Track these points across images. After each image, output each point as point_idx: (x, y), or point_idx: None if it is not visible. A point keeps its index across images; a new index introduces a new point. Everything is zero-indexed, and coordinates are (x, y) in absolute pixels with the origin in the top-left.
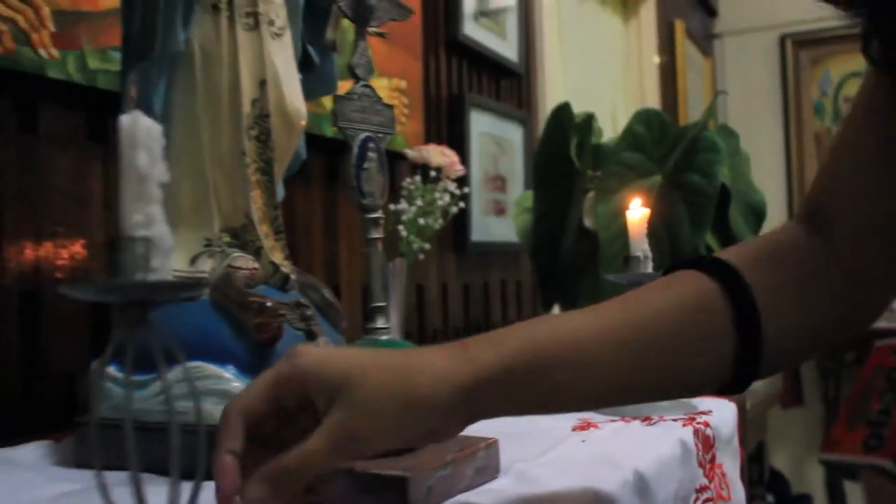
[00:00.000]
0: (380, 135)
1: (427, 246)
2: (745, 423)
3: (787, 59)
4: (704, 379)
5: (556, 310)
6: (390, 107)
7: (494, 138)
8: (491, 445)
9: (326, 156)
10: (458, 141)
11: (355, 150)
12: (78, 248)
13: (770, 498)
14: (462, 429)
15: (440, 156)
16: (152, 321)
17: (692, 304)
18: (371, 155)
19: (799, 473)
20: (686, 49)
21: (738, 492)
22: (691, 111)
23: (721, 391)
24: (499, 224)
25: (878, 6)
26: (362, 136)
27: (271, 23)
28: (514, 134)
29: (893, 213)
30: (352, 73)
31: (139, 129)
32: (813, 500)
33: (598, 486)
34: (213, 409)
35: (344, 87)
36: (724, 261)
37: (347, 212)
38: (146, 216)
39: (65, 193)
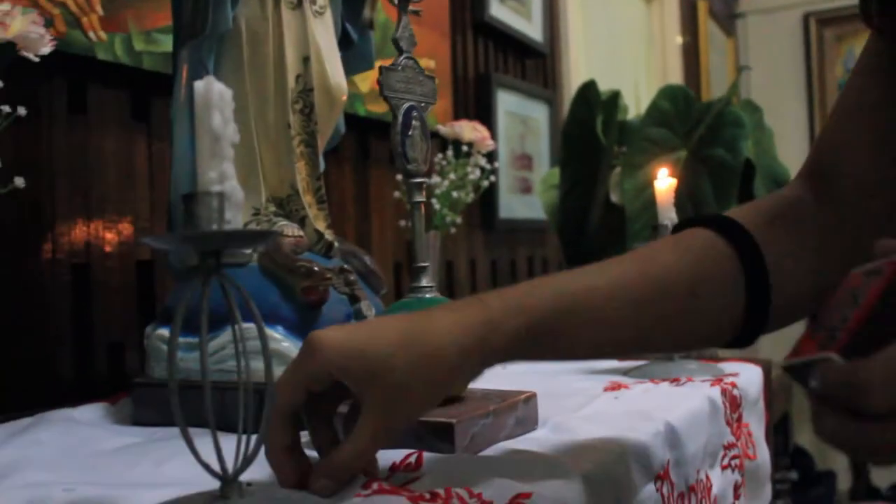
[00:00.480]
0: (422, 104)
1: (459, 219)
2: (771, 389)
3: (810, 37)
4: (714, 333)
5: None
6: (432, 78)
7: (520, 117)
8: (530, 399)
9: (359, 135)
10: (485, 120)
11: (400, 118)
12: (125, 222)
13: (794, 475)
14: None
15: (472, 131)
16: (225, 271)
17: (703, 261)
18: (415, 123)
19: (823, 451)
20: (709, 29)
21: (763, 452)
22: (714, 91)
23: (729, 345)
24: (525, 202)
25: None
26: (406, 105)
27: (313, 2)
28: (539, 113)
29: (893, 173)
30: (396, 46)
31: (213, 92)
32: (837, 476)
33: (632, 435)
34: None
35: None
36: (732, 219)
37: (378, 189)
38: (220, 173)
39: (112, 170)
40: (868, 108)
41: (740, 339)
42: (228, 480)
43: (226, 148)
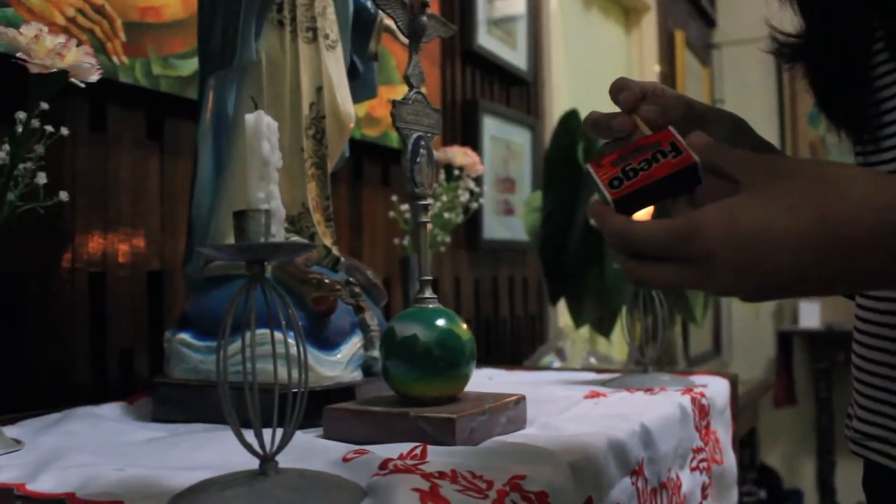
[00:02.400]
0: (429, 134)
1: (448, 239)
2: (737, 401)
3: (783, 68)
4: None
5: (562, 303)
6: (438, 110)
7: (504, 142)
8: (520, 401)
9: (353, 157)
10: (471, 144)
11: (409, 147)
12: (138, 234)
13: (763, 493)
14: None
15: (463, 156)
16: (267, 278)
17: None
18: (422, 151)
19: (791, 470)
20: (686, 58)
21: (729, 458)
22: None
23: None
24: (507, 224)
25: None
26: (415, 135)
27: (326, 36)
28: (522, 138)
29: None
30: (407, 82)
31: (262, 124)
32: (804, 495)
33: (611, 433)
34: (281, 371)
35: (381, 91)
36: None
37: (370, 208)
38: (267, 193)
39: (126, 186)
40: None
41: None
42: (267, 460)
43: (272, 172)
